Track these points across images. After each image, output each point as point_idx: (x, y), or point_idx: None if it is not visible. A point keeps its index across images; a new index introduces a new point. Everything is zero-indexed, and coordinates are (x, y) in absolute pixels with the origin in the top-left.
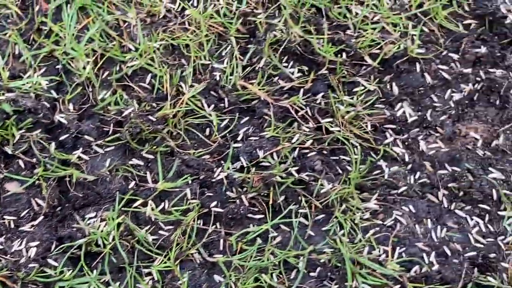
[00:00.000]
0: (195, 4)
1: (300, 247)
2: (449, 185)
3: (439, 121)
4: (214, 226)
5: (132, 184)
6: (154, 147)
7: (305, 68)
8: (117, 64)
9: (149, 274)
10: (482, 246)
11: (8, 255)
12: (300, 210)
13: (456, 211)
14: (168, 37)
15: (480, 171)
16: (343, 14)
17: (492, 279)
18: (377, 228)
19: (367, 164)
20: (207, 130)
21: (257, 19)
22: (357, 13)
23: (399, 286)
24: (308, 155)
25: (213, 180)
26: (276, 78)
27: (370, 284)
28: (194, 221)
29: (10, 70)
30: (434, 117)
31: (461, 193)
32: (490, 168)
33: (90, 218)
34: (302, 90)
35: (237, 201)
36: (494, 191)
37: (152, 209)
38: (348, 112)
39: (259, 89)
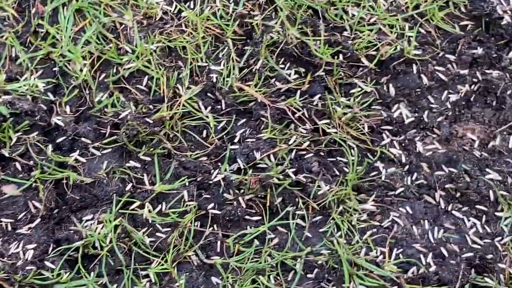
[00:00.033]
0: (192, 6)
1: (297, 249)
2: (446, 186)
3: (436, 122)
4: (211, 228)
5: (129, 186)
6: (151, 149)
7: (302, 69)
8: (113, 66)
9: (147, 276)
10: (479, 247)
11: (5, 258)
12: (297, 212)
13: (453, 212)
14: (165, 39)
15: (477, 172)
16: (340, 15)
17: (489, 280)
18: (374, 230)
19: (364, 166)
20: (204, 132)
21: (253, 21)
22: (353, 15)
23: (396, 287)
24: (305, 156)
25: (210, 182)
26: (273, 80)
27: (367, 286)
28: (191, 223)
29: (7, 73)
30: (431, 118)
31: (458, 194)
32: (487, 169)
33: (87, 220)
34: (299, 91)
35: (234, 203)
36: (491, 192)
37: (149, 211)
38: (345, 113)
39: (256, 91)
